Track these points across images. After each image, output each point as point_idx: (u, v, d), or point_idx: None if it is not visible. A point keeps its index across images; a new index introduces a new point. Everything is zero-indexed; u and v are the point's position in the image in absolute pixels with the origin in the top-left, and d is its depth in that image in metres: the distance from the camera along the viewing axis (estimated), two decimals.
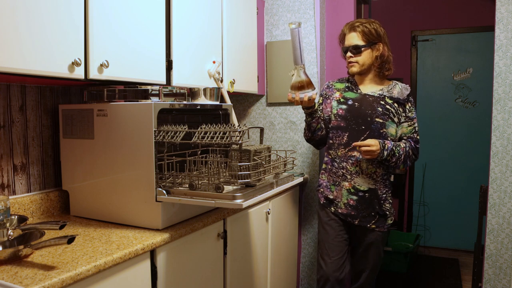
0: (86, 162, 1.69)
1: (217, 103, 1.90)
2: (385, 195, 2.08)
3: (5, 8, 1.23)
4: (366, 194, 2.05)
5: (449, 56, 4.19)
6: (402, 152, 2.00)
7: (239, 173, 1.53)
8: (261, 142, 1.96)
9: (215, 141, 1.51)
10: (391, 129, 2.04)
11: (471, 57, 4.10)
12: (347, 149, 2.06)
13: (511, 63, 2.39)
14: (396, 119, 2.04)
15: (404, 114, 2.06)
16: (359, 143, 1.94)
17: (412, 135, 2.06)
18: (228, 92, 2.26)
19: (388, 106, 2.03)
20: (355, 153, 2.03)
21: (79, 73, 1.46)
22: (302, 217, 2.80)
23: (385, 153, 1.95)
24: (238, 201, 1.43)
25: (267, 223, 2.29)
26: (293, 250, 2.69)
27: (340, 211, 2.09)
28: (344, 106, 2.08)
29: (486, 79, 3.94)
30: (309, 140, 2.20)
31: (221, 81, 2.18)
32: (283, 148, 2.79)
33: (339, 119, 2.08)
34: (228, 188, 1.54)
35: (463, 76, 4.15)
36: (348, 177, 2.06)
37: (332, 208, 2.12)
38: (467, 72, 4.13)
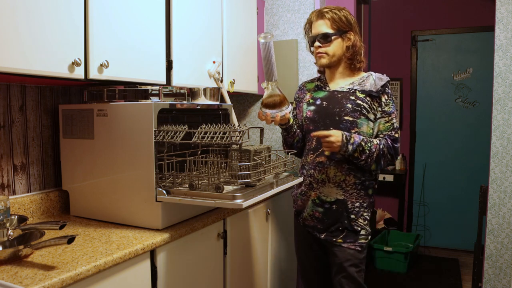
0: (86, 162, 1.69)
1: (217, 103, 1.90)
2: (358, 209, 1.80)
3: (5, 8, 1.23)
4: (333, 206, 1.80)
5: (449, 56, 4.19)
6: (374, 150, 1.72)
7: (239, 173, 1.53)
8: (261, 142, 1.96)
9: (215, 141, 1.51)
10: (366, 128, 1.77)
11: (471, 57, 4.10)
12: (315, 154, 1.83)
13: (511, 63, 2.39)
14: (371, 116, 1.78)
15: (380, 109, 1.78)
16: (317, 132, 1.71)
17: (389, 133, 1.77)
18: (228, 92, 2.26)
19: (359, 101, 1.76)
20: (323, 159, 1.79)
21: (79, 73, 1.46)
22: None
23: (350, 147, 1.68)
24: (238, 201, 1.43)
25: (267, 223, 2.29)
26: (293, 250, 2.69)
27: (306, 223, 1.90)
28: (312, 107, 1.87)
29: (486, 79, 3.94)
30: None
31: (221, 81, 2.18)
32: (283, 148, 2.79)
33: (308, 122, 1.88)
34: (228, 188, 1.54)
35: (463, 76, 4.15)
36: (315, 185, 1.83)
37: (301, 221, 1.94)
38: (467, 72, 4.13)
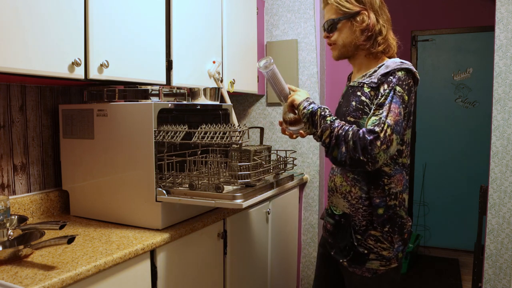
0: (86, 162, 1.69)
1: (217, 103, 1.90)
2: (364, 228, 1.46)
3: (5, 8, 1.23)
4: (342, 220, 1.51)
5: (449, 56, 4.19)
6: (337, 125, 1.37)
7: (239, 173, 1.53)
8: (261, 142, 1.96)
9: (215, 141, 1.51)
10: None
11: (471, 57, 4.10)
12: None
13: (511, 63, 2.39)
14: None
15: (375, 101, 1.40)
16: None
17: (371, 127, 1.33)
18: (228, 92, 2.26)
19: (363, 98, 1.44)
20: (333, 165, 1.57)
21: (79, 73, 1.46)
22: (302, 217, 2.80)
23: (312, 105, 1.44)
24: (238, 201, 1.43)
25: (267, 223, 2.29)
26: (293, 250, 2.69)
27: (323, 234, 1.67)
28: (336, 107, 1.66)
29: (486, 79, 3.94)
30: None
31: (221, 81, 2.18)
32: (283, 148, 2.79)
33: None
34: (228, 188, 1.54)
35: (463, 76, 4.15)
36: (328, 194, 1.62)
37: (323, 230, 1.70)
38: (467, 72, 4.13)
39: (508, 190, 2.43)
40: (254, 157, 1.59)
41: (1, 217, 1.42)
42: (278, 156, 1.89)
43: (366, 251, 1.47)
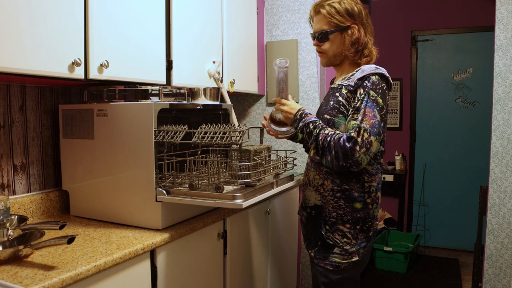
0: (86, 162, 1.69)
1: (217, 103, 1.90)
2: (333, 220, 1.56)
3: (5, 7, 1.23)
4: (313, 212, 1.64)
5: (449, 56, 4.19)
6: (320, 138, 1.49)
7: (239, 173, 1.53)
8: (261, 142, 1.96)
9: (215, 141, 1.51)
10: (344, 128, 1.52)
11: (471, 57, 4.10)
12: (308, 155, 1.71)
13: (511, 63, 2.39)
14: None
15: (352, 105, 1.50)
16: (275, 99, 1.64)
17: (349, 133, 1.44)
18: (228, 92, 2.26)
19: (340, 98, 1.54)
20: (308, 160, 1.68)
21: (79, 73, 1.47)
22: None
23: (301, 124, 1.54)
24: (238, 201, 1.43)
25: (267, 223, 2.29)
26: (293, 250, 2.69)
27: (301, 227, 1.80)
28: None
29: (486, 79, 3.95)
30: None
31: (221, 81, 2.18)
32: (283, 148, 2.79)
33: None
34: (228, 188, 1.54)
35: (463, 76, 4.15)
36: (302, 189, 1.74)
37: None
38: (467, 72, 4.13)
39: (508, 190, 2.43)
40: (254, 157, 1.59)
41: (1, 217, 1.42)
42: (278, 156, 1.89)
43: (332, 243, 1.57)
